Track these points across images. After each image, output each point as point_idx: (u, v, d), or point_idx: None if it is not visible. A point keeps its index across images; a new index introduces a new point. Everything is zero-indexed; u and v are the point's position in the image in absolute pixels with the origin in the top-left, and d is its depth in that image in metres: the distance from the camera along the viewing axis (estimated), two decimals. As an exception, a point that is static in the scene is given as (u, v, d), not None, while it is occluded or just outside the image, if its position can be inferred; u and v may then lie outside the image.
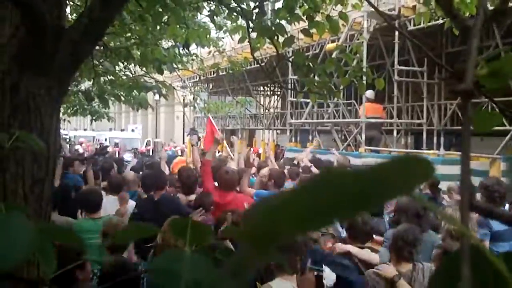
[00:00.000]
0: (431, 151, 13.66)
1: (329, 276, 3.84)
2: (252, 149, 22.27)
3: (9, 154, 1.95)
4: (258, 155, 18.67)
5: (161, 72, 6.57)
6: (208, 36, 6.63)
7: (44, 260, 0.99)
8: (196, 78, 25.05)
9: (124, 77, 6.06)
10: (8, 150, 1.31)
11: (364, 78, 4.52)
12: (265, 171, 8.01)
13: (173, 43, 7.18)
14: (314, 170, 9.21)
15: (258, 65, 18.54)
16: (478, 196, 5.95)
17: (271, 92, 28.20)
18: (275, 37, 4.77)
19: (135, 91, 6.18)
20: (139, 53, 5.26)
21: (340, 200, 0.34)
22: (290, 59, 4.65)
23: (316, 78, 4.65)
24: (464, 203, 0.44)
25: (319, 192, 0.34)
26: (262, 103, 28.23)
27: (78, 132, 36.16)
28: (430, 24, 13.17)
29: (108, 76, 5.72)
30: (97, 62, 4.94)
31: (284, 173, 8.03)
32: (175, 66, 8.35)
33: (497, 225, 5.43)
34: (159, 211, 5.79)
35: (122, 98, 7.25)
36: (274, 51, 14.56)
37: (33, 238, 0.66)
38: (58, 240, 1.06)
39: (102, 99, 5.57)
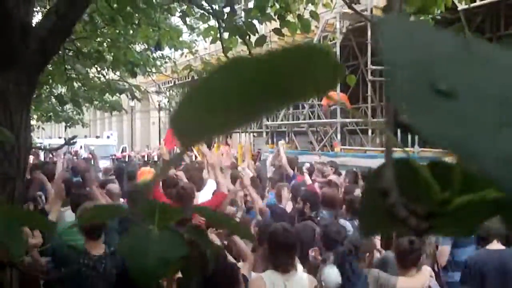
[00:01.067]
0: (406, 149, 13.78)
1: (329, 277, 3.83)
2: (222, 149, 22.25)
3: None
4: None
5: (134, 75, 6.55)
6: (180, 38, 6.64)
7: (13, 244, 1.00)
8: (171, 82, 25.03)
9: (97, 80, 6.03)
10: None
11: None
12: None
13: (146, 47, 7.16)
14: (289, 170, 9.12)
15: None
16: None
17: (247, 95, 28.22)
18: (247, 37, 4.80)
19: (108, 94, 6.15)
20: (111, 56, 5.23)
21: (245, 87, 0.35)
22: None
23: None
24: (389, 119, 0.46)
25: (226, 79, 0.35)
26: (238, 106, 28.19)
27: (52, 140, 35.68)
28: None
29: (81, 80, 5.68)
30: (69, 66, 4.91)
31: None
32: (149, 70, 8.34)
33: None
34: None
35: (95, 102, 7.23)
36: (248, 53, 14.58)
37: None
38: (28, 225, 1.06)
39: (75, 103, 5.54)
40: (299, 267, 3.90)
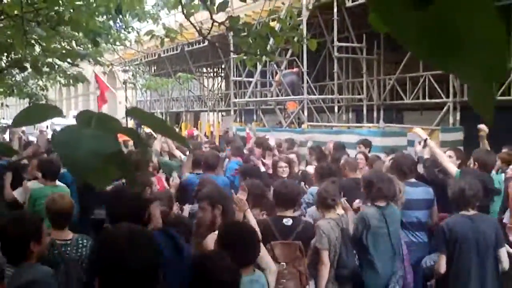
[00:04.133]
0: (371, 124, 13.96)
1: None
2: (186, 131, 22.33)
3: None
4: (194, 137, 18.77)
5: (96, 44, 6.46)
6: (142, 5, 6.56)
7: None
8: (138, 60, 24.77)
9: (58, 46, 5.93)
10: None
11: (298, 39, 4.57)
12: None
13: (107, 17, 7.06)
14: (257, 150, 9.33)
15: (199, 46, 18.41)
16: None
17: (215, 74, 28.13)
18: (209, 2, 4.77)
19: (69, 60, 6.06)
20: (71, 19, 5.13)
21: None
22: (226, 24, 4.65)
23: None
24: None
25: None
26: (205, 85, 28.16)
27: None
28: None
29: (41, 44, 5.58)
30: (28, 29, 4.81)
31: None
32: (111, 41, 8.24)
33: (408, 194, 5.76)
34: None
35: (57, 71, 7.12)
36: (215, 31, 14.52)
37: None
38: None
39: (35, 68, 5.44)
40: None
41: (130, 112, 1.00)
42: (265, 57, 4.97)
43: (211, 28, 4.59)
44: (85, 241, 4.33)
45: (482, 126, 7.13)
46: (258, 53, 4.55)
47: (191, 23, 4.77)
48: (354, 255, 4.98)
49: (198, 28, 4.82)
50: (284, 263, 4.35)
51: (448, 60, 0.69)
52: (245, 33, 4.78)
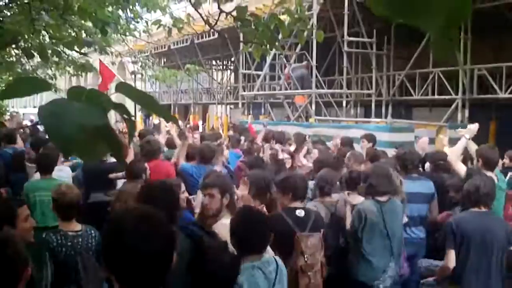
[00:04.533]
0: (379, 120, 13.92)
1: None
2: (192, 122, 22.40)
3: None
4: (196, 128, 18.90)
5: (104, 33, 6.47)
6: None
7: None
8: (148, 52, 24.78)
9: (65, 34, 5.94)
10: None
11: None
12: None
13: (117, 6, 7.08)
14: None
15: (209, 38, 18.38)
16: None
17: (224, 67, 28.11)
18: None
19: (76, 48, 6.06)
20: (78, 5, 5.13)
21: None
22: (233, 14, 4.64)
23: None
24: None
25: None
26: (215, 77, 28.15)
27: (27, 109, 35.30)
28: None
29: (48, 31, 5.58)
30: (36, 17, 4.82)
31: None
32: (121, 30, 8.25)
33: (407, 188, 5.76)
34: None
35: (64, 59, 7.13)
36: (225, 24, 14.49)
37: None
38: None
39: (42, 56, 5.45)
40: None
41: (119, 87, 1.00)
42: (273, 48, 4.96)
43: (218, 18, 4.58)
44: (93, 231, 4.35)
45: (465, 130, 6.95)
46: (265, 43, 4.54)
47: (198, 13, 4.77)
48: (339, 238, 5.03)
49: (205, 18, 4.82)
50: (309, 255, 4.35)
51: (416, 14, 0.70)
52: (253, 24, 4.77)
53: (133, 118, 1.03)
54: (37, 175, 6.14)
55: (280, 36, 5.52)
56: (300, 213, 4.57)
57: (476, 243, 4.57)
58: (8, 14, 5.68)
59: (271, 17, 4.85)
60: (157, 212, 2.16)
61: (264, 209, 4.80)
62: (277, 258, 3.55)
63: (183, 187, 5.02)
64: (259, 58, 4.96)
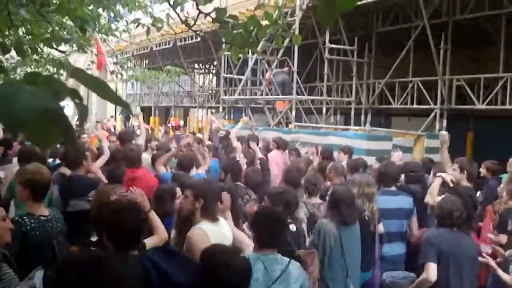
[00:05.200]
0: (358, 127, 13.99)
1: None
2: (173, 123, 22.40)
3: None
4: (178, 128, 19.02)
5: (83, 31, 6.43)
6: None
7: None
8: (129, 53, 24.69)
9: (42, 30, 5.88)
10: None
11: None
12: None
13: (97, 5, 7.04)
14: (253, 146, 9.39)
15: (192, 41, 18.34)
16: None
17: (206, 70, 28.09)
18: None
19: (54, 44, 6.01)
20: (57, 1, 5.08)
21: None
22: (212, 15, 4.63)
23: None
24: None
25: None
26: (196, 81, 28.11)
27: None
28: (361, 3, 13.47)
29: (26, 26, 5.53)
30: (13, 11, 4.76)
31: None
32: (99, 29, 8.21)
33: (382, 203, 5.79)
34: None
35: (43, 53, 7.07)
36: (208, 27, 14.43)
37: None
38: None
39: (19, 51, 5.40)
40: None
41: (74, 73, 0.99)
42: (254, 52, 4.98)
43: (197, 19, 4.58)
44: (57, 214, 4.36)
45: (444, 136, 7.03)
46: (242, 46, 4.54)
47: (176, 13, 4.76)
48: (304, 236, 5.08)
49: (183, 19, 4.81)
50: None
51: None
52: (230, 26, 4.77)
53: (84, 103, 1.02)
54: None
55: (262, 42, 5.54)
56: (292, 228, 4.64)
57: (449, 259, 4.62)
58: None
59: (249, 19, 4.85)
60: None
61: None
62: (295, 263, 3.75)
63: (179, 192, 5.04)
64: (237, 60, 4.97)
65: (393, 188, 6.16)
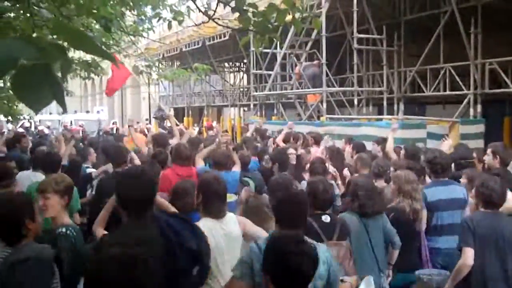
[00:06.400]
0: (391, 116, 13.79)
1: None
2: (206, 124, 22.57)
3: None
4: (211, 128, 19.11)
5: (108, 30, 6.50)
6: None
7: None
8: (160, 55, 24.93)
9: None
10: None
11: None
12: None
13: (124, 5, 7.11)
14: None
15: (220, 40, 18.42)
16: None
17: (236, 68, 28.17)
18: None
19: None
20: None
21: None
22: (231, 5, 4.62)
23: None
24: None
25: None
26: (227, 79, 28.21)
27: (43, 116, 35.65)
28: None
29: (49, 27, 5.61)
30: (36, 12, 4.83)
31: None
32: (123, 28, 8.29)
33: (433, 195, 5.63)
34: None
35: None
36: (236, 25, 14.51)
37: None
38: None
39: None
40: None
41: (55, 26, 0.99)
42: (274, 40, 4.94)
43: (216, 7, 4.57)
44: None
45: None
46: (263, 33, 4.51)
47: (195, 5, 4.77)
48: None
49: (203, 10, 4.82)
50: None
51: None
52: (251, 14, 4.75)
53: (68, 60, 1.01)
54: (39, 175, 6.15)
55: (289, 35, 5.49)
56: (326, 218, 4.50)
57: (488, 242, 4.48)
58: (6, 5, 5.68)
59: (269, 7, 4.83)
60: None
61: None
62: (323, 246, 3.65)
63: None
64: (258, 48, 4.94)
65: (445, 178, 5.92)
